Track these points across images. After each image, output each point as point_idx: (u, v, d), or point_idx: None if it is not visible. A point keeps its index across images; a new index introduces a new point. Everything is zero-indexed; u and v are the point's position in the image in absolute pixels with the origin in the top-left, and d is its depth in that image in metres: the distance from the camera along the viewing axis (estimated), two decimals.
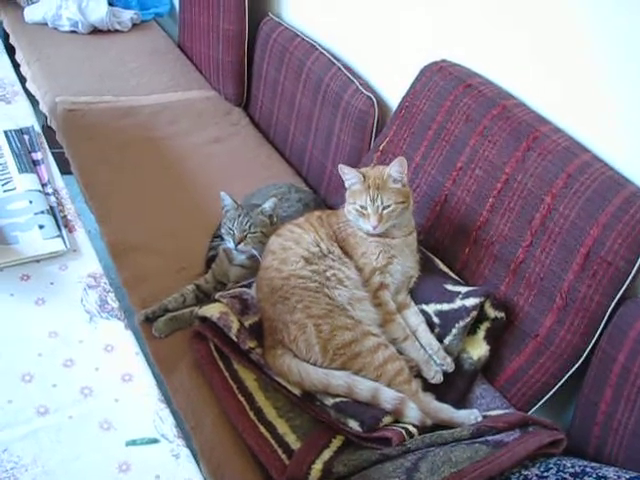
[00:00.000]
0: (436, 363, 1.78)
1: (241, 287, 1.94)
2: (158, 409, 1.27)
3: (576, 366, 1.75)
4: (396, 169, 1.83)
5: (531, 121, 1.91)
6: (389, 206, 1.82)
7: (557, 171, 1.80)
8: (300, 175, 2.76)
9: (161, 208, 2.42)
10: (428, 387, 1.75)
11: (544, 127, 1.89)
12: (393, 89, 2.39)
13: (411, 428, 1.63)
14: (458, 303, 1.81)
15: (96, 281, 1.54)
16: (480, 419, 1.67)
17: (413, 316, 1.87)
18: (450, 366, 1.78)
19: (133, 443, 1.20)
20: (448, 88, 2.09)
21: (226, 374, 1.77)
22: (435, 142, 2.10)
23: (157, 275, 2.12)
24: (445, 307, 1.83)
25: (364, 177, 1.86)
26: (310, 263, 1.81)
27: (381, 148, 2.25)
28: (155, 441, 1.21)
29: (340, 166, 1.89)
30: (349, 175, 1.88)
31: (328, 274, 1.80)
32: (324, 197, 2.59)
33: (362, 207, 1.83)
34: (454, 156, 2.04)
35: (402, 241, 1.89)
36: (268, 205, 2.05)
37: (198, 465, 1.23)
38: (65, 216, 1.74)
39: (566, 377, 1.77)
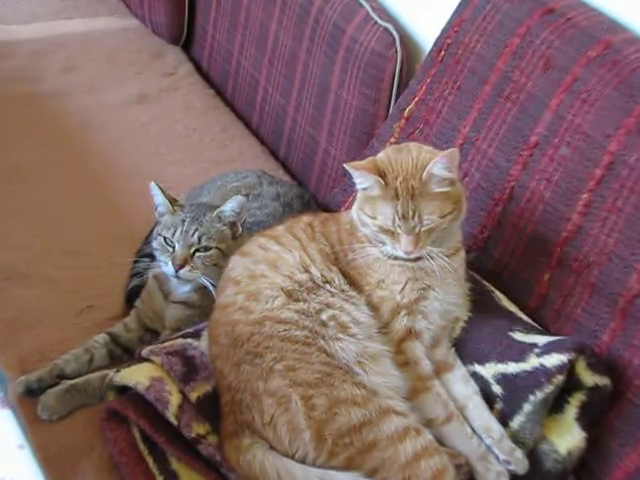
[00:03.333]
0: (498, 459, 1.76)
1: (184, 337, 1.93)
2: None
3: None
4: (443, 166, 1.78)
5: None
6: (430, 222, 1.80)
7: None
8: (276, 157, 2.79)
9: (54, 211, 2.42)
10: None
11: None
12: (425, 18, 2.41)
13: None
14: (533, 362, 1.79)
15: None
16: None
17: (460, 383, 1.86)
18: (522, 465, 1.75)
19: None
20: (517, 15, 2.11)
21: (159, 479, 1.75)
22: (495, 103, 2.11)
23: (46, 319, 2.12)
24: (512, 369, 1.82)
25: (385, 177, 1.81)
26: (295, 299, 1.80)
27: (406, 114, 2.27)
28: None
29: (345, 166, 1.85)
30: (361, 179, 1.85)
31: (324, 317, 1.79)
32: (315, 192, 2.59)
33: (387, 226, 1.82)
34: (526, 125, 2.05)
35: (442, 265, 1.86)
36: (230, 207, 2.04)
37: None
38: None
39: None
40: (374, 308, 1.85)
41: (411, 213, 1.79)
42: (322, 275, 1.85)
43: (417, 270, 1.85)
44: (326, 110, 2.57)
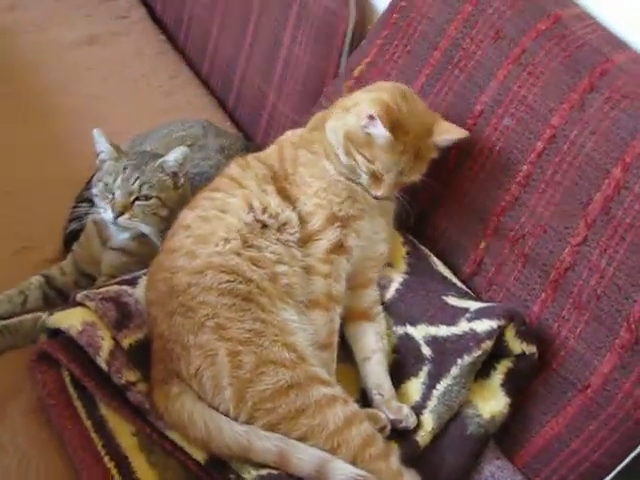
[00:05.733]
0: (388, 419, 1.80)
1: (119, 284, 1.93)
2: None
3: None
4: (449, 141, 1.92)
5: (599, 44, 1.93)
6: (415, 179, 1.93)
7: (635, 127, 1.80)
8: (224, 108, 2.79)
9: None
10: (406, 457, 1.75)
11: (620, 55, 1.91)
12: None
13: None
14: (464, 326, 1.82)
15: None
16: None
17: (373, 336, 1.91)
18: (411, 419, 1.80)
19: None
20: None
21: (87, 423, 1.75)
22: (443, 70, 2.12)
23: None
24: (443, 331, 1.85)
25: (399, 131, 1.84)
26: (249, 246, 1.82)
27: (356, 73, 2.28)
28: None
29: (370, 113, 1.84)
30: (376, 130, 1.85)
31: (278, 270, 1.81)
32: (262, 146, 2.55)
33: (379, 173, 1.88)
34: (472, 94, 2.06)
35: (378, 203, 1.94)
36: (173, 157, 2.03)
37: None
38: None
39: (632, 456, 1.78)
40: (306, 218, 1.89)
41: (408, 170, 1.89)
42: (260, 203, 1.87)
43: (358, 194, 1.92)
44: (277, 64, 2.56)
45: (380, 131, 1.85)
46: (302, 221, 1.89)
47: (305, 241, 1.88)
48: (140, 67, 2.81)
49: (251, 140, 2.63)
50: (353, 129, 1.91)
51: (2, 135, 2.45)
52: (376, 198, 1.92)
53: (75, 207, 2.22)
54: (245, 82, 2.69)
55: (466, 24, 2.08)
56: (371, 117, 1.85)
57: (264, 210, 1.87)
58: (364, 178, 1.91)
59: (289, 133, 2.07)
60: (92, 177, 2.24)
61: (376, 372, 1.86)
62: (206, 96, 2.79)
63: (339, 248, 1.88)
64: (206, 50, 2.83)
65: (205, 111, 2.67)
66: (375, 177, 1.90)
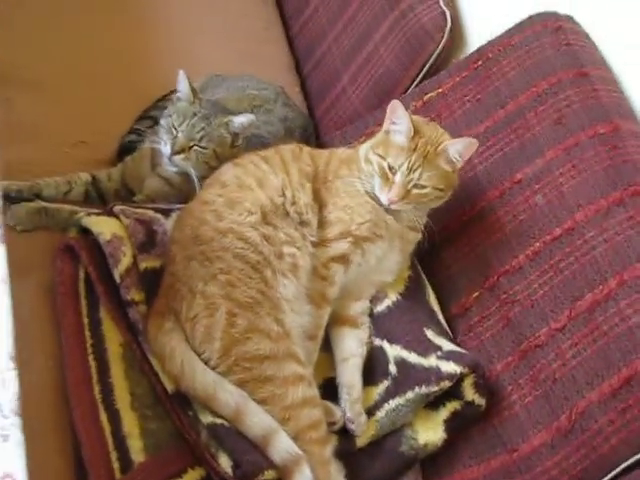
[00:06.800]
0: (344, 415, 1.88)
1: (155, 211, 2.00)
2: (4, 367, 1.35)
3: None
4: (458, 150, 1.94)
5: None
6: (424, 187, 1.94)
7: None
8: (299, 71, 2.81)
9: (86, 42, 2.41)
10: (340, 452, 1.85)
11: None
12: (481, 20, 2.43)
13: None
14: (432, 361, 1.92)
15: None
16: None
17: (355, 341, 1.99)
18: (360, 428, 1.87)
19: None
20: (554, 64, 2.14)
21: (85, 320, 1.86)
22: (501, 129, 2.16)
23: (43, 138, 2.15)
24: (412, 359, 1.95)
25: (415, 133, 1.94)
26: (268, 223, 1.90)
27: (426, 98, 2.32)
28: None
29: (395, 102, 1.96)
30: (400, 120, 1.96)
31: (286, 250, 1.89)
32: (318, 121, 2.64)
33: (390, 168, 1.94)
34: (517, 161, 2.12)
35: (401, 230, 2.01)
36: (240, 121, 2.09)
37: None
38: None
39: None
40: (325, 225, 1.97)
41: (415, 169, 1.93)
42: (293, 195, 1.95)
43: (382, 218, 1.98)
44: (360, 55, 2.59)
45: (405, 120, 1.94)
46: (321, 226, 1.97)
47: (317, 244, 1.96)
48: (241, 9, 2.81)
49: (311, 112, 2.66)
50: (376, 138, 2.02)
51: (95, 28, 2.47)
52: (385, 207, 1.96)
53: (137, 122, 2.28)
54: (326, 57, 2.70)
55: (537, 99, 2.11)
56: (395, 112, 1.94)
57: (293, 202, 1.95)
58: (377, 182, 1.96)
59: (342, 149, 2.13)
60: (161, 98, 2.33)
61: (351, 374, 1.92)
62: (287, 56, 2.80)
63: (341, 258, 1.95)
64: (302, 14, 2.83)
65: (281, 69, 2.70)
66: (386, 178, 1.95)
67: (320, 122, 2.64)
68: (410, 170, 1.93)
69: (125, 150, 2.25)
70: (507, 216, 2.09)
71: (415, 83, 2.48)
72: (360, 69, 2.60)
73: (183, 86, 2.10)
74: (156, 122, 2.18)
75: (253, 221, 1.89)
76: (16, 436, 1.25)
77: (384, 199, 1.96)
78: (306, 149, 2.08)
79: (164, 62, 2.39)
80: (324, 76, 2.73)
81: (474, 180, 2.18)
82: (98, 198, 2.13)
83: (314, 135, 2.55)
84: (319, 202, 2.00)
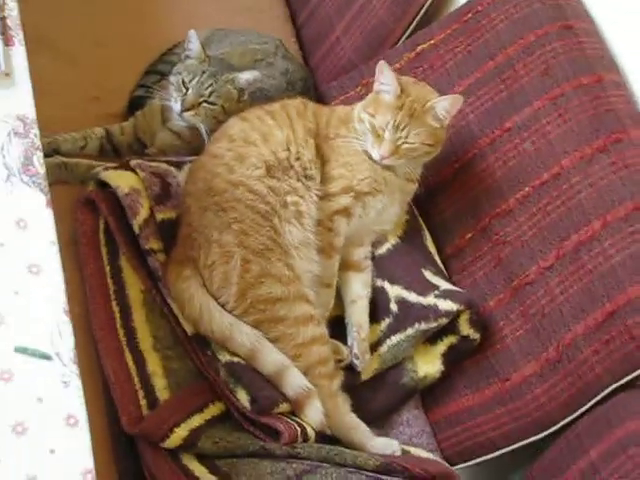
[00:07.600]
0: (351, 352, 1.99)
1: (168, 164, 2.07)
2: (60, 321, 1.40)
3: (536, 437, 2.00)
4: (445, 107, 2.01)
5: (623, 115, 2.04)
6: (413, 143, 2.01)
7: (625, 196, 1.95)
8: (294, 22, 2.82)
9: (97, 3, 2.45)
10: (346, 385, 1.95)
11: (636, 131, 2.03)
12: None
13: (309, 430, 1.84)
14: (430, 300, 2.03)
15: (25, 128, 1.59)
16: (398, 453, 1.91)
17: (360, 284, 2.09)
18: (363, 365, 1.98)
19: (23, 351, 1.35)
20: (541, 17, 2.18)
21: (107, 269, 1.94)
22: (491, 80, 2.21)
23: (60, 95, 2.17)
24: (412, 298, 2.06)
25: (402, 91, 2.01)
26: (272, 176, 1.97)
27: (419, 49, 2.37)
28: (47, 357, 1.36)
29: (382, 63, 2.03)
30: (386, 80, 2.03)
31: (289, 199, 1.97)
32: (312, 71, 2.67)
33: (379, 127, 2.01)
34: (507, 110, 2.17)
35: (399, 183, 2.09)
36: (246, 77, 2.16)
37: None
38: (4, 19, 1.72)
39: (519, 445, 2.03)
40: (328, 180, 2.04)
41: (402, 126, 1.98)
42: (297, 151, 2.01)
43: (380, 175, 2.04)
44: (354, 6, 2.61)
45: (391, 80, 2.00)
46: (324, 181, 2.04)
47: (321, 197, 2.03)
48: None
49: (306, 62, 2.68)
50: (367, 98, 2.07)
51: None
52: (379, 164, 2.02)
53: (145, 75, 2.32)
54: (320, 7, 2.70)
55: (525, 50, 2.15)
56: (382, 73, 2.00)
57: (297, 158, 2.02)
58: (369, 139, 2.01)
59: (341, 107, 2.21)
60: (166, 52, 2.36)
61: (359, 314, 2.02)
62: (283, 7, 2.81)
63: (344, 211, 2.02)
64: None
65: (277, 20, 2.71)
66: (377, 135, 1.99)
67: (315, 72, 2.68)
68: (397, 127, 1.98)
69: (135, 105, 2.29)
70: (497, 162, 2.16)
71: (407, 34, 2.52)
72: (353, 20, 2.61)
73: (194, 45, 2.14)
74: (162, 76, 2.24)
75: (259, 174, 1.95)
76: (75, 382, 1.34)
77: (375, 155, 2.01)
78: (310, 105, 2.13)
79: (164, 17, 2.44)
80: (318, 27, 2.74)
81: (466, 129, 2.24)
82: (112, 151, 2.17)
83: (313, 88, 2.57)
84: (322, 158, 2.06)
